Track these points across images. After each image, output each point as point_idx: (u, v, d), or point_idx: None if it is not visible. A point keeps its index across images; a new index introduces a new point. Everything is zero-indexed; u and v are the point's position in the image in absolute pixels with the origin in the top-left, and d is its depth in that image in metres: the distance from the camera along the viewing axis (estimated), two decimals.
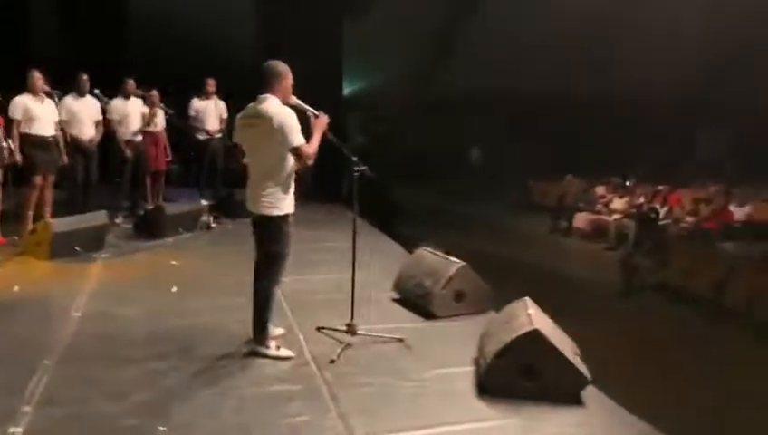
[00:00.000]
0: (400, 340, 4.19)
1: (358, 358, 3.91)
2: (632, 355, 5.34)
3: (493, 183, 14.80)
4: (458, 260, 4.86)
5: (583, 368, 3.54)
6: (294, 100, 3.86)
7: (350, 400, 3.37)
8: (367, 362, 3.87)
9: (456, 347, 4.12)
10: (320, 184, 9.20)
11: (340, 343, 4.04)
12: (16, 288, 4.97)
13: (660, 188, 10.79)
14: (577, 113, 14.78)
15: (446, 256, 4.99)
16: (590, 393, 3.55)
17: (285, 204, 3.79)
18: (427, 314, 4.71)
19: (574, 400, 3.45)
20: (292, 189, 3.86)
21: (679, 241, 8.75)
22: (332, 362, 3.81)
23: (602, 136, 14.28)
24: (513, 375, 3.48)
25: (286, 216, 3.81)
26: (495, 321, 4.00)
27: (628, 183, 11.87)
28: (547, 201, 13.14)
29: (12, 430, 2.89)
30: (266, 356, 3.84)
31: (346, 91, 16.78)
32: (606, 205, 11.27)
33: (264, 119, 3.66)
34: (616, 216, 10.59)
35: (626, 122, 14.46)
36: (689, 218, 9.73)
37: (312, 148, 3.77)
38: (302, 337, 4.22)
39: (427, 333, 4.42)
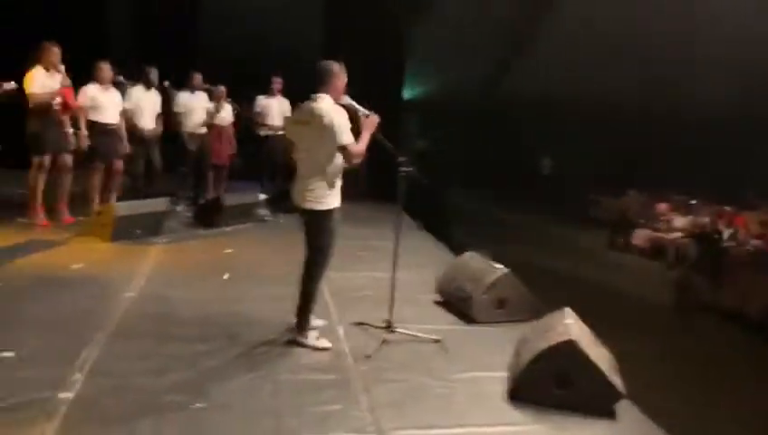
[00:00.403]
0: (437, 340, 4.23)
1: (393, 355, 3.98)
2: (676, 374, 5.20)
3: (554, 193, 14.58)
4: (502, 267, 4.86)
5: (618, 382, 3.50)
6: (346, 99, 3.96)
7: (381, 393, 3.44)
8: (401, 359, 3.93)
9: (492, 352, 4.13)
10: (375, 184, 9.33)
11: (378, 339, 4.11)
12: (78, 265, 5.27)
13: (726, 208, 10.42)
14: (644, 126, 14.38)
15: (491, 262, 4.99)
16: (624, 407, 3.51)
17: (330, 199, 3.89)
18: (468, 319, 4.73)
19: (607, 413, 3.41)
20: (338, 186, 3.95)
21: (740, 264, 8.43)
22: (368, 356, 3.89)
23: (667, 151, 13.86)
24: (546, 383, 3.47)
25: (331, 211, 3.91)
26: (534, 329, 3.99)
27: (692, 202, 11.51)
28: (607, 215, 12.85)
29: (63, 395, 3.09)
30: (305, 346, 3.96)
31: (407, 93, 16.89)
32: (667, 222, 10.97)
33: (316, 117, 3.78)
34: (676, 234, 10.29)
35: (692, 138, 13.97)
36: (755, 241, 9.35)
37: (359, 147, 3.86)
38: (341, 330, 4.32)
39: (465, 337, 4.45)
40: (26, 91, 6.01)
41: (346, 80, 3.93)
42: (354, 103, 3.99)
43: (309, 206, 3.87)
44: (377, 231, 7.25)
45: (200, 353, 3.74)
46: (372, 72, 10.62)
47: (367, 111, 4.00)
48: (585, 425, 3.30)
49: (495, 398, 3.53)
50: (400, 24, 11.32)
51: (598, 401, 3.43)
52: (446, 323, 4.68)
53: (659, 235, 10.66)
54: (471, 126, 19.25)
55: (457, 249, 7.03)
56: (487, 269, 4.91)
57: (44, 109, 6.10)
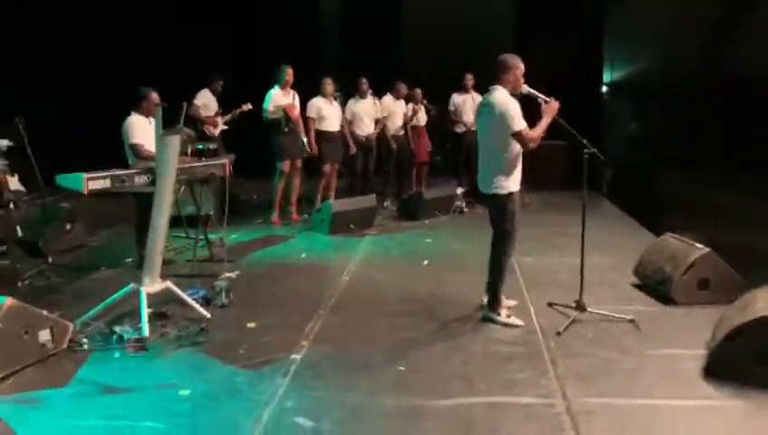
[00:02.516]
0: (631, 320, 4.24)
1: (584, 332, 4.10)
2: None
3: None
4: (703, 246, 4.68)
5: None
6: (526, 88, 4.17)
7: (569, 366, 3.61)
8: (592, 336, 4.04)
9: (689, 332, 4.04)
10: (577, 171, 9.22)
11: (568, 318, 4.25)
12: (304, 255, 6.14)
13: None
14: None
15: (691, 243, 4.82)
16: None
17: (509, 183, 4.14)
18: (667, 301, 4.64)
19: None
20: (517, 171, 4.17)
21: None
22: (558, 333, 4.06)
23: None
24: (744, 360, 3.36)
25: (510, 194, 4.15)
26: (734, 306, 3.84)
27: None
28: None
29: (293, 356, 3.75)
30: (497, 322, 4.25)
31: (615, 75, 16.13)
32: None
33: (490, 107, 4.08)
34: None
35: None
36: None
37: (535, 133, 4.06)
38: (533, 310, 4.53)
39: (662, 317, 4.39)
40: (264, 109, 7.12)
41: (523, 70, 4.14)
42: (533, 91, 4.18)
43: (491, 190, 4.16)
44: (576, 218, 7.22)
45: (402, 326, 4.23)
46: (569, 58, 10.51)
47: (546, 98, 4.17)
48: None
49: (689, 374, 3.49)
50: (596, 5, 10.99)
51: None
52: (642, 305, 4.64)
53: None
54: (687, 107, 17.78)
55: (663, 233, 6.76)
56: (687, 249, 4.75)
57: (280, 122, 7.10)
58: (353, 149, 7.92)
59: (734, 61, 15.19)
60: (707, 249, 4.64)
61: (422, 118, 8.78)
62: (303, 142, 7.30)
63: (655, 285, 4.84)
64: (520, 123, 4.03)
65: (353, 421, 3.01)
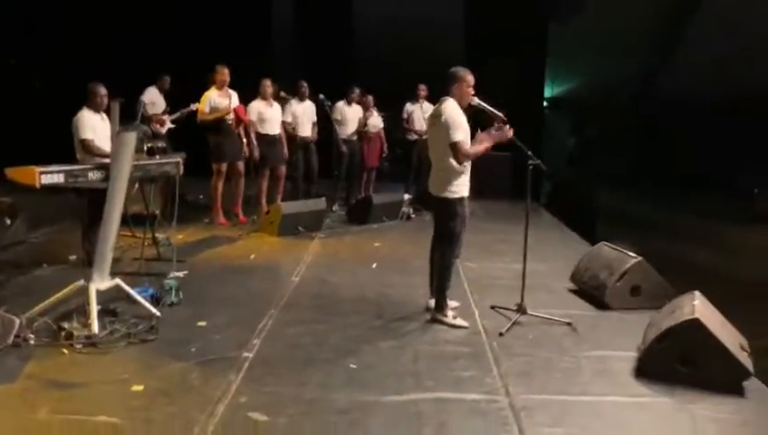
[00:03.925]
0: (568, 323, 4.49)
1: (525, 334, 4.32)
2: None
3: (710, 191, 13.80)
4: (636, 255, 4.99)
5: (747, 361, 3.57)
6: (476, 100, 4.37)
7: (511, 365, 3.80)
8: (532, 338, 4.26)
9: (622, 335, 4.31)
10: (520, 182, 9.58)
11: (510, 320, 4.46)
12: (253, 256, 6.17)
13: None
14: None
15: (624, 251, 5.13)
16: (757, 388, 3.57)
17: (460, 188, 4.32)
18: (601, 306, 4.92)
19: (735, 391, 3.50)
20: (464, 178, 4.35)
21: None
22: (501, 334, 4.26)
23: None
24: (671, 361, 3.62)
25: (461, 199, 4.33)
26: (663, 311, 4.13)
27: None
28: None
29: (245, 354, 3.80)
30: (444, 323, 4.42)
31: (555, 91, 16.74)
32: None
33: (437, 117, 4.27)
34: None
35: None
36: None
37: (472, 150, 4.24)
38: (477, 312, 4.73)
39: (597, 321, 4.66)
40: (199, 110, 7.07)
41: (471, 83, 4.32)
42: (483, 104, 4.38)
43: (440, 194, 4.34)
44: (517, 226, 7.52)
45: (352, 325, 4.35)
46: (513, 72, 10.89)
47: (496, 111, 4.36)
48: (711, 401, 3.40)
49: (622, 373, 3.75)
50: (540, 23, 11.44)
51: (724, 379, 3.52)
52: (578, 309, 4.91)
53: None
54: (624, 124, 18.59)
55: (598, 242, 7.12)
56: (621, 258, 5.05)
57: (218, 124, 7.07)
58: (286, 154, 7.89)
59: (666, 83, 16.04)
60: (640, 258, 4.95)
61: (374, 124, 8.91)
62: (243, 144, 7.27)
63: (590, 291, 5.12)
64: (458, 135, 4.20)
65: (308, 416, 3.10)
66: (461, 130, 4.23)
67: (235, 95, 7.23)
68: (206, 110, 7.06)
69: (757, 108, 14.14)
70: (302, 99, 8.17)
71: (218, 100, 7.10)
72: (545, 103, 15.27)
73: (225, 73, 7.10)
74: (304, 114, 8.18)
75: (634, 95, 17.26)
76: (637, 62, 16.53)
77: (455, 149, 4.22)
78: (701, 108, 14.91)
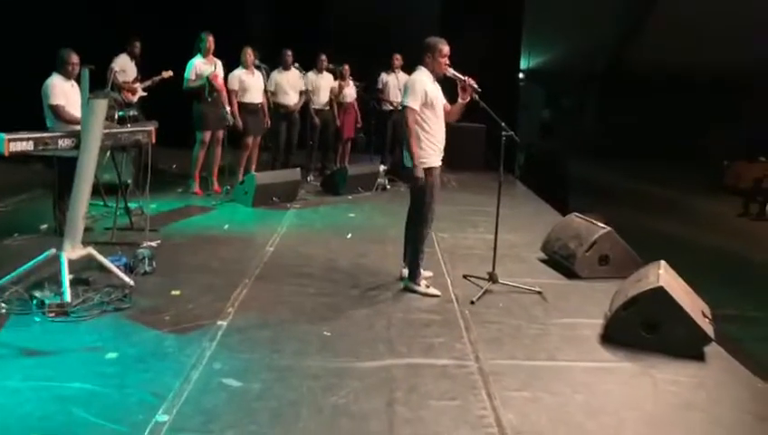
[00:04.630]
0: (539, 292, 4.59)
1: (495, 302, 4.41)
2: None
3: (683, 163, 14.05)
4: (605, 226, 5.10)
5: (708, 328, 3.70)
6: (450, 71, 4.37)
7: (482, 332, 3.89)
8: (503, 306, 4.35)
9: (591, 303, 4.44)
10: (493, 154, 9.63)
11: (482, 289, 4.55)
12: (227, 226, 6.15)
13: None
14: None
15: (594, 222, 5.23)
16: (716, 353, 3.72)
17: (429, 158, 4.34)
18: (571, 275, 5.03)
19: (695, 356, 3.64)
20: (433, 147, 4.37)
21: None
22: (472, 302, 4.35)
23: None
24: (636, 327, 3.75)
25: (430, 169, 4.35)
26: (630, 280, 4.25)
27: None
28: (740, 184, 12.22)
29: (220, 322, 3.83)
30: (417, 292, 4.49)
31: (531, 63, 16.77)
32: None
33: (406, 86, 4.27)
34: None
35: None
36: None
37: (412, 128, 4.24)
38: (449, 281, 4.81)
39: (566, 290, 4.77)
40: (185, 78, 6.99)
41: (446, 52, 4.31)
42: (456, 74, 4.39)
43: (407, 163, 4.36)
44: (491, 198, 7.60)
45: (326, 294, 4.40)
46: (489, 43, 10.87)
47: (463, 77, 4.36)
48: (672, 365, 3.54)
49: (588, 340, 3.86)
50: None
51: (686, 345, 3.66)
52: (549, 278, 5.02)
53: None
54: (598, 95, 18.73)
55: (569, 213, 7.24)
56: (590, 228, 5.16)
57: (201, 93, 6.99)
58: (268, 123, 7.83)
59: (641, 53, 16.14)
60: (609, 228, 5.07)
61: (349, 94, 8.86)
62: (226, 112, 7.19)
63: (560, 261, 5.23)
64: (413, 101, 4.21)
65: (281, 381, 3.15)
66: (418, 96, 4.23)
67: (219, 64, 7.14)
68: (192, 77, 6.97)
69: (730, 78, 14.37)
70: (285, 67, 8.09)
71: (203, 67, 7.01)
72: (521, 75, 15.30)
73: (210, 41, 7.02)
74: (288, 83, 8.11)
75: (609, 65, 17.40)
76: (611, 32, 16.62)
77: (405, 112, 4.23)
78: (674, 78, 15.12)
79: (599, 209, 7.58)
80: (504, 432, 2.82)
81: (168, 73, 7.65)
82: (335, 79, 8.71)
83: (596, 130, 17.99)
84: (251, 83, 7.48)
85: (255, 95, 7.53)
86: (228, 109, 7.19)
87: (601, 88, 18.18)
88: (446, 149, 4.52)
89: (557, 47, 17.12)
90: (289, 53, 8.12)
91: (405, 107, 4.23)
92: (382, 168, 8.45)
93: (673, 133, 15.46)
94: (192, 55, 7.07)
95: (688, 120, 15.62)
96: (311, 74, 8.50)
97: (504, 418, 2.92)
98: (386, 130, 9.18)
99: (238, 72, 7.40)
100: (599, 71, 17.68)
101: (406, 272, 4.63)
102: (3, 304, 3.78)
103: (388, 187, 8.27)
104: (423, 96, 4.25)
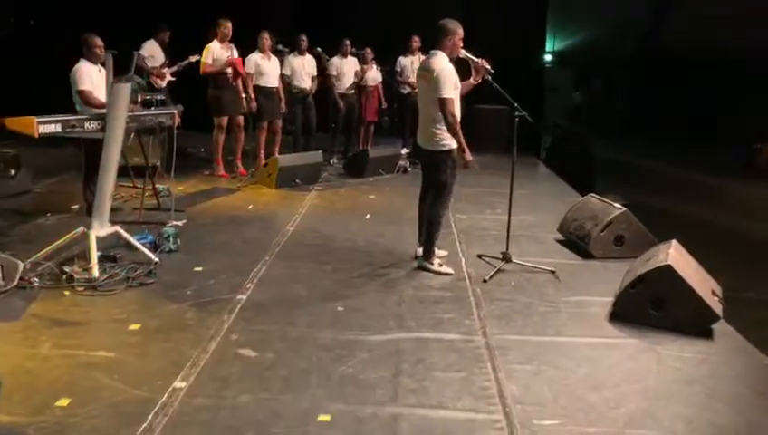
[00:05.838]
0: (552, 271, 4.65)
1: (508, 281, 4.49)
2: None
3: (715, 145, 13.78)
4: (621, 206, 5.12)
5: (717, 306, 3.73)
6: (463, 53, 4.43)
7: (492, 309, 3.98)
8: (515, 284, 4.43)
9: (602, 282, 4.48)
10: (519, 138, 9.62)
11: (495, 268, 4.63)
12: (250, 207, 6.34)
13: None
14: None
15: (610, 202, 5.25)
16: (725, 331, 3.75)
17: (448, 140, 4.41)
18: (586, 255, 5.08)
19: (703, 333, 3.67)
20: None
21: None
22: (484, 281, 4.44)
23: None
24: (643, 305, 3.79)
25: (450, 150, 4.43)
26: (641, 259, 4.28)
27: None
28: None
29: (239, 296, 3.99)
30: (430, 270, 4.59)
31: (559, 45, 16.57)
32: None
33: (428, 71, 4.33)
34: None
35: None
36: None
37: (455, 120, 4.27)
38: (463, 260, 4.90)
39: (580, 270, 4.82)
40: (202, 63, 7.14)
41: (462, 35, 4.37)
42: (468, 55, 4.45)
43: (430, 147, 4.44)
44: (509, 180, 7.63)
45: (342, 271, 4.54)
46: (514, 27, 10.81)
47: (476, 59, 4.42)
48: (678, 342, 3.58)
49: (597, 317, 3.93)
50: None
51: (693, 323, 3.69)
52: (563, 258, 5.07)
53: None
54: (628, 76, 18.41)
55: None
56: (606, 209, 5.18)
57: (216, 78, 7.15)
58: (284, 108, 7.94)
59: (670, 35, 15.81)
60: (624, 209, 5.09)
61: (372, 78, 8.94)
62: (243, 98, 7.34)
63: (576, 241, 5.27)
64: (449, 92, 4.26)
65: (294, 351, 3.29)
66: (452, 85, 4.29)
67: (235, 50, 7.28)
68: (209, 62, 7.12)
69: (764, 59, 14.00)
70: (301, 52, 8.21)
71: (220, 52, 7.15)
72: (549, 57, 15.14)
73: (227, 27, 7.14)
74: (303, 68, 8.22)
75: (639, 44, 17.07)
76: (641, 11, 16.30)
77: (443, 104, 4.27)
78: (707, 57, 14.79)
79: (624, 191, 7.55)
80: (505, 403, 2.91)
81: (195, 57, 7.81)
82: (359, 63, 8.79)
83: (625, 111, 17.72)
84: (267, 68, 7.59)
85: (271, 79, 7.65)
86: (244, 95, 7.33)
87: (631, 69, 17.86)
88: (468, 131, 4.57)
89: (586, 28, 16.86)
90: (304, 38, 8.20)
91: (444, 99, 4.25)
92: (404, 150, 8.53)
93: (705, 115, 15.16)
94: (209, 41, 7.20)
95: (721, 102, 15.28)
96: (335, 59, 8.59)
97: (506, 389, 3.02)
98: (406, 113, 9.21)
99: (255, 57, 7.52)
100: (628, 51, 17.36)
101: (420, 251, 4.73)
102: (35, 279, 4.00)
103: (410, 169, 8.34)
104: (456, 83, 4.33)
